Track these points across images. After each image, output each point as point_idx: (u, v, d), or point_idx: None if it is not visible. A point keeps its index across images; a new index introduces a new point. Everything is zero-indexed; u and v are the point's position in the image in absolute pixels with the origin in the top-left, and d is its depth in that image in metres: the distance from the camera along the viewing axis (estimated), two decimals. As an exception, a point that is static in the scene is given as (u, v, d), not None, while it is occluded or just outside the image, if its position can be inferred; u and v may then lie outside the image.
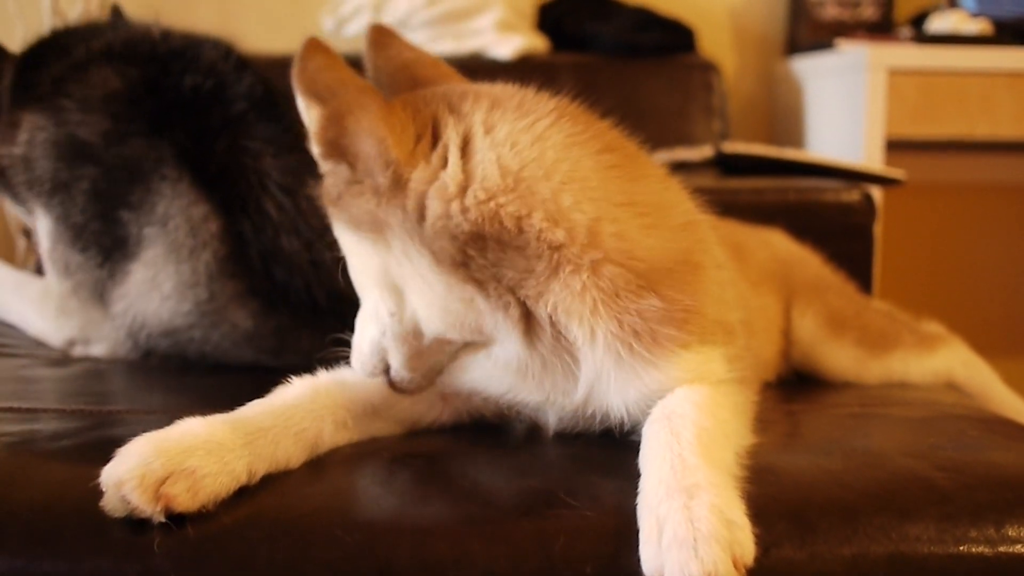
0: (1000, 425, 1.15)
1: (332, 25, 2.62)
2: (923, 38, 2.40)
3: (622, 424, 0.95)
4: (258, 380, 1.01)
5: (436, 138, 0.92)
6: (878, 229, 1.96)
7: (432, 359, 0.98)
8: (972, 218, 2.95)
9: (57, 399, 1.25)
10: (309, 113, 0.94)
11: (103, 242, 1.40)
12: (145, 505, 0.81)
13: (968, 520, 0.86)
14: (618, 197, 0.92)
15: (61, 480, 0.90)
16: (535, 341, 0.93)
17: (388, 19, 2.58)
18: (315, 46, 0.94)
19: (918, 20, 2.66)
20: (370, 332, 0.99)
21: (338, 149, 0.92)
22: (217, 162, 1.38)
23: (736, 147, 2.27)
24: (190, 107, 1.41)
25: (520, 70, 2.54)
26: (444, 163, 0.91)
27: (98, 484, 0.83)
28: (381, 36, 1.08)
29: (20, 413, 1.14)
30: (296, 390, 0.98)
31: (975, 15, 2.48)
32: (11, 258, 2.56)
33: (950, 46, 2.36)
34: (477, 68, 2.53)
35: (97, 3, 2.46)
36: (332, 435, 0.98)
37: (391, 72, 1.06)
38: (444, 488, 0.91)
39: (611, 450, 0.90)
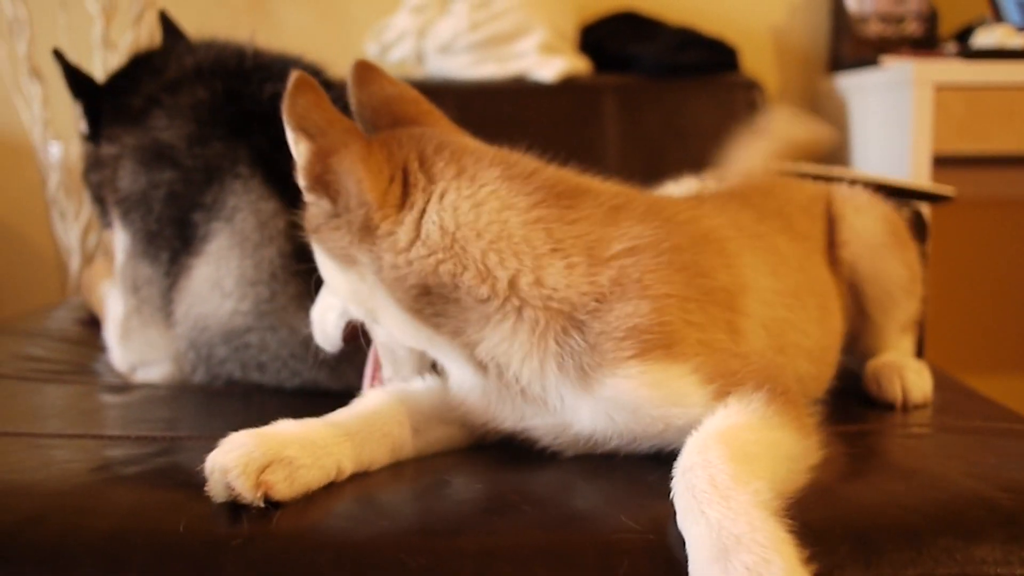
0: (1061, 444, 1.13)
1: (376, 50, 2.65)
2: (969, 53, 2.38)
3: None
4: (320, 404, 1.03)
5: (406, 186, 1.01)
6: (928, 247, 1.95)
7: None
8: (1022, 234, 2.92)
9: (123, 426, 1.27)
10: (298, 147, 1.01)
11: (173, 245, 1.42)
12: (247, 491, 0.89)
13: (1034, 542, 0.86)
14: (543, 247, 0.99)
15: (131, 507, 0.92)
16: (487, 375, 1.01)
17: (432, 43, 2.60)
18: (303, 83, 1.00)
19: (963, 35, 2.64)
20: (333, 313, 1.11)
21: (322, 184, 1.01)
22: (289, 166, 1.41)
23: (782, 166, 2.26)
24: (268, 114, 1.42)
25: (563, 92, 2.56)
26: (404, 220, 0.99)
27: (166, 510, 0.87)
28: (364, 72, 1.13)
29: (88, 439, 1.16)
30: (378, 398, 1.06)
31: (1021, 29, 2.46)
32: (64, 285, 2.61)
33: (996, 61, 2.34)
34: (521, 91, 2.56)
35: (147, 35, 2.51)
36: (413, 440, 1.05)
37: (374, 107, 1.12)
38: (505, 510, 0.92)
39: (663, 472, 0.89)
